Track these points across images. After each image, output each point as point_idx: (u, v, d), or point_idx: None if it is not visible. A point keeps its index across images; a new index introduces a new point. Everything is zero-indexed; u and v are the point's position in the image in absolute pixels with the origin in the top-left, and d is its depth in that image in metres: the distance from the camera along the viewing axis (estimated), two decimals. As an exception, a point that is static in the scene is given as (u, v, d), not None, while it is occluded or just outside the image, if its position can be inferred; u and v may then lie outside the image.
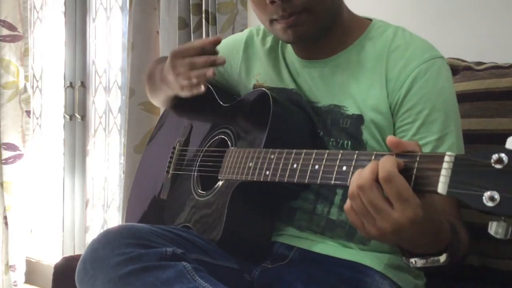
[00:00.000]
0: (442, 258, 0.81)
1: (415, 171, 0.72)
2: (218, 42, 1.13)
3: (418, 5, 1.68)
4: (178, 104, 1.40)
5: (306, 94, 1.14)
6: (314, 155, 0.88)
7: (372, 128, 1.05)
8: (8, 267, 2.86)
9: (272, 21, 1.06)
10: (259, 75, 1.22)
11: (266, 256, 1.10)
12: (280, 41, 1.22)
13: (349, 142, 1.07)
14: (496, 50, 1.51)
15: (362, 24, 1.13)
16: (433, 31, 1.51)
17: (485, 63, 1.38)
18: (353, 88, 1.08)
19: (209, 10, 2.00)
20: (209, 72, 1.09)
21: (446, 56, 1.09)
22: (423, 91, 1.02)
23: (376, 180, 0.73)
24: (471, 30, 1.57)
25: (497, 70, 1.33)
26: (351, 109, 1.07)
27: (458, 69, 1.37)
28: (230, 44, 1.30)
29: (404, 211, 0.72)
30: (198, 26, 2.05)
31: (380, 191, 0.73)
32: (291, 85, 1.16)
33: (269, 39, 1.23)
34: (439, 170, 0.68)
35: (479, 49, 1.53)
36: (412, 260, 0.82)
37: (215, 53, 1.14)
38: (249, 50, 1.26)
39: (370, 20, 1.14)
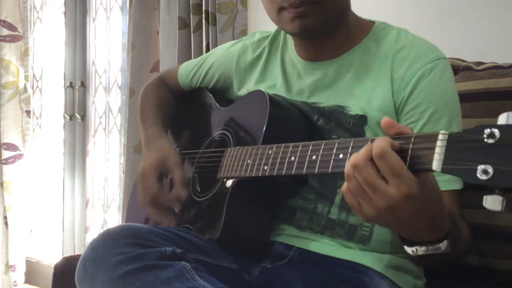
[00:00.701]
0: (443, 245, 0.80)
1: (410, 151, 0.72)
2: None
3: (418, 5, 1.68)
4: (177, 109, 1.41)
5: (310, 95, 1.14)
6: (311, 146, 0.89)
7: (375, 128, 1.05)
8: (8, 267, 2.86)
9: (280, 10, 1.07)
10: (250, 87, 1.24)
11: (265, 256, 1.10)
12: (281, 44, 1.23)
13: None
14: (496, 50, 1.51)
15: (365, 26, 1.14)
16: (433, 31, 1.51)
17: (485, 63, 1.39)
18: (357, 89, 1.09)
19: (209, 10, 2.00)
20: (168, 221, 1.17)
21: (446, 56, 1.10)
22: (427, 91, 1.03)
23: (371, 159, 0.73)
24: (471, 30, 1.57)
25: (497, 70, 1.33)
26: (355, 110, 1.07)
27: (458, 69, 1.37)
28: (224, 56, 1.33)
29: (399, 186, 0.72)
30: (198, 26, 2.06)
31: (375, 169, 0.73)
32: (284, 93, 1.17)
33: (265, 47, 1.25)
34: (433, 148, 0.69)
35: (479, 49, 1.53)
36: (414, 248, 0.82)
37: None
38: (241, 63, 1.27)
39: (373, 22, 1.15)
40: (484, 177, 0.63)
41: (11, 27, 2.82)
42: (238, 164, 1.05)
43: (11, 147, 2.84)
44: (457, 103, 1.07)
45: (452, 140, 0.68)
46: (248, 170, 1.02)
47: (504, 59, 1.37)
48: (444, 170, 0.68)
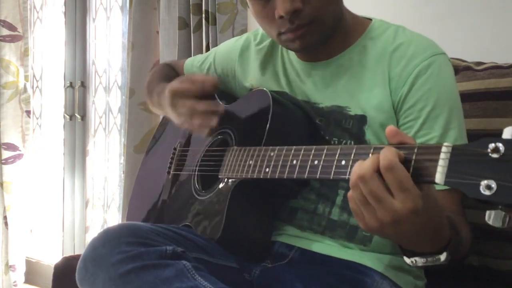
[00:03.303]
0: (443, 256, 0.80)
1: (413, 162, 0.71)
2: (216, 84, 1.14)
3: (418, 5, 1.68)
4: None
5: (309, 95, 1.14)
6: (313, 151, 0.88)
7: (375, 128, 1.05)
8: (8, 267, 2.86)
9: (280, 33, 1.07)
10: (254, 79, 1.24)
11: (266, 256, 1.10)
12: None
13: (352, 142, 1.07)
14: (496, 50, 1.51)
15: (362, 24, 1.13)
16: (433, 31, 1.50)
17: (485, 63, 1.38)
18: (356, 89, 1.08)
19: (209, 10, 2.00)
20: (213, 122, 1.11)
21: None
22: (426, 88, 1.03)
23: (377, 170, 0.72)
24: (471, 30, 1.57)
25: (497, 70, 1.33)
26: (354, 110, 1.07)
27: (458, 69, 1.37)
28: (228, 50, 1.33)
29: (405, 200, 0.71)
30: (198, 26, 2.06)
31: (381, 181, 0.72)
32: (286, 89, 1.17)
33: (267, 43, 1.25)
34: (436, 160, 0.68)
35: (479, 49, 1.53)
36: (413, 259, 0.82)
37: (215, 91, 1.17)
38: (245, 56, 1.28)
39: (370, 19, 1.15)
40: (487, 192, 0.62)
41: (11, 27, 2.82)
42: (240, 164, 1.05)
43: (11, 147, 2.84)
44: (456, 98, 1.06)
45: (455, 152, 0.67)
46: (250, 171, 1.01)
47: (504, 59, 1.37)
48: (447, 183, 0.67)
